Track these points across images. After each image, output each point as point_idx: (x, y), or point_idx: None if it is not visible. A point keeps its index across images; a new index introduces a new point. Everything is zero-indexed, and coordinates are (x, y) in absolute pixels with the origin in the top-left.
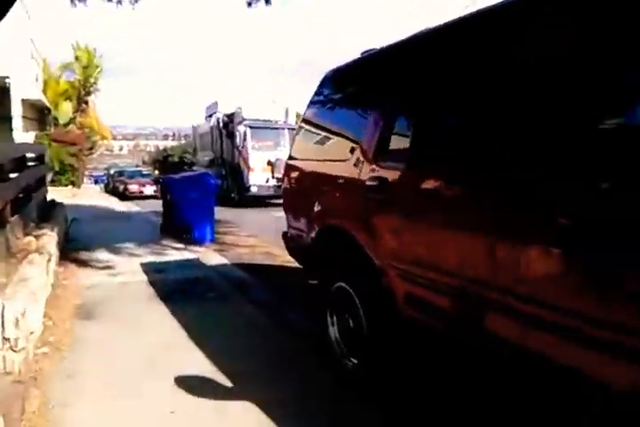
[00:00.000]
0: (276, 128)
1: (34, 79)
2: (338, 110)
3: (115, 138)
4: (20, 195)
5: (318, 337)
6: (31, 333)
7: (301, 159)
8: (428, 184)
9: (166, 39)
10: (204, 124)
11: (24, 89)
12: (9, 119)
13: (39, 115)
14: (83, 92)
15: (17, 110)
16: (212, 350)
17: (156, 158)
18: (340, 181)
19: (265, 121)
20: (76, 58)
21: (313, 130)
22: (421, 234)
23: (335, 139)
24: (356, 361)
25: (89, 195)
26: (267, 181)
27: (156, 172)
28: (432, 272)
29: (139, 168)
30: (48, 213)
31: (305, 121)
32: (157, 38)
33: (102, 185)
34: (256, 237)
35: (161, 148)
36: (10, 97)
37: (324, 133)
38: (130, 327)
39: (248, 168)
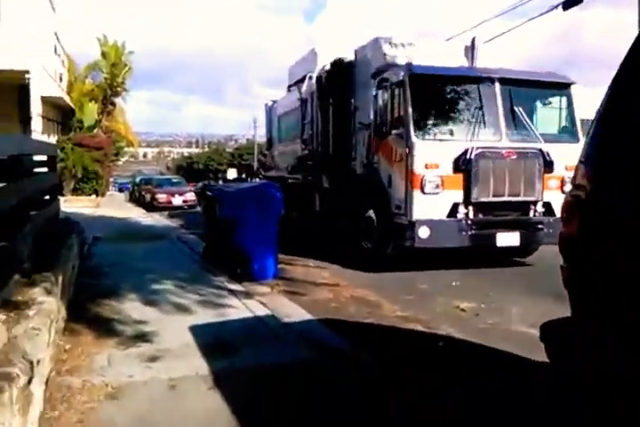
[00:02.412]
0: (480, 79)
1: (57, 76)
2: None
3: (139, 145)
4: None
5: None
6: None
7: None
8: None
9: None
10: (285, 98)
11: (46, 87)
12: (27, 121)
13: (62, 116)
14: (110, 93)
15: (36, 109)
16: None
17: (180, 165)
18: None
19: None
20: (103, 54)
21: None
22: None
23: None
24: None
25: (114, 205)
26: (454, 212)
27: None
28: None
29: (167, 176)
30: (55, 243)
31: None
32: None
33: (127, 193)
34: (327, 269)
35: (185, 155)
36: (29, 96)
37: None
38: None
39: (411, 179)
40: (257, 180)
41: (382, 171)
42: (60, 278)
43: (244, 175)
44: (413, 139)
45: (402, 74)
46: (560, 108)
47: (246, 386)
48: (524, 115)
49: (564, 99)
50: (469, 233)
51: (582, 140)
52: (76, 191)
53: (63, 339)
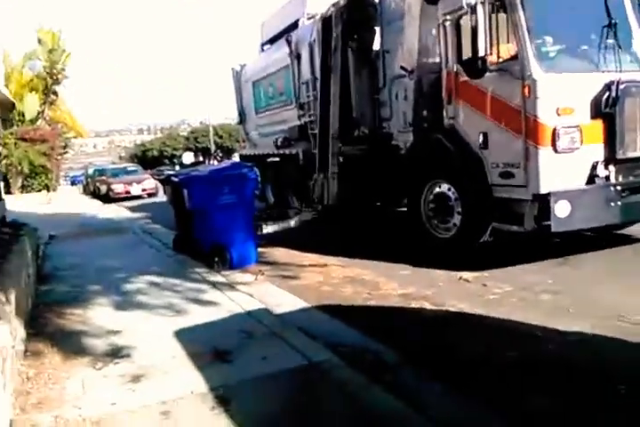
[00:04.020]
0: None
1: None
2: None
3: (89, 135)
4: None
5: None
6: None
7: None
8: None
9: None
10: (262, 59)
11: None
12: None
13: (1, 111)
14: (50, 81)
15: None
16: None
17: (134, 154)
18: None
19: None
20: (39, 41)
21: None
22: None
23: None
24: None
25: (67, 199)
26: (592, 177)
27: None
28: None
29: (122, 165)
30: (3, 250)
31: None
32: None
33: (80, 186)
34: (303, 248)
35: (138, 142)
36: None
37: None
38: None
39: (534, 133)
40: (215, 162)
41: (468, 127)
42: (13, 294)
43: (201, 158)
44: (536, 73)
45: None
46: None
47: (256, 401)
48: None
49: None
50: (619, 204)
51: None
52: (24, 188)
53: (25, 363)
